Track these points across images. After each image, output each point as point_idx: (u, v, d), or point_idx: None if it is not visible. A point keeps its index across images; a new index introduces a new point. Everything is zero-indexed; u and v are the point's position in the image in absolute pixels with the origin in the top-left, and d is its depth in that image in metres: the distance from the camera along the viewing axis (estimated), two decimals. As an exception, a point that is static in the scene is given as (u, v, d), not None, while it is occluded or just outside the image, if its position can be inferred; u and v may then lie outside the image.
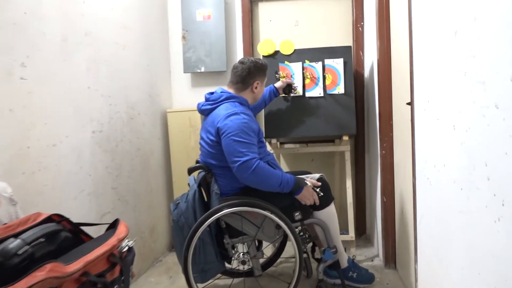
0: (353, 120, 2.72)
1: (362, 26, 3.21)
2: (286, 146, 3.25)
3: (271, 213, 2.01)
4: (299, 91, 2.76)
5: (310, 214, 2.19)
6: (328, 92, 2.75)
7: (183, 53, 3.29)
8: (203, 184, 2.19)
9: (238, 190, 2.13)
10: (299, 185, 2.10)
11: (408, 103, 1.99)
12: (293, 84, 2.71)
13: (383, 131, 2.60)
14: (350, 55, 2.79)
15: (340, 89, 2.72)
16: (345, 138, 2.73)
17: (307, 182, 2.14)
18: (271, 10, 3.39)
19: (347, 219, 2.82)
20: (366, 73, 3.15)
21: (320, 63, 2.78)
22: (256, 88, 2.25)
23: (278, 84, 2.67)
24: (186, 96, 3.42)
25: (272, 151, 2.89)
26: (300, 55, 2.82)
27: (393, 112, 2.55)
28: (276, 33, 3.29)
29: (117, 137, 2.47)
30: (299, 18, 3.39)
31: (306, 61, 2.77)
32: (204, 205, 2.15)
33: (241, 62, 2.27)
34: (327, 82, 2.75)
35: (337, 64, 2.76)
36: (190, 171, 2.15)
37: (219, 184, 2.12)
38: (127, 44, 2.64)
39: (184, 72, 3.30)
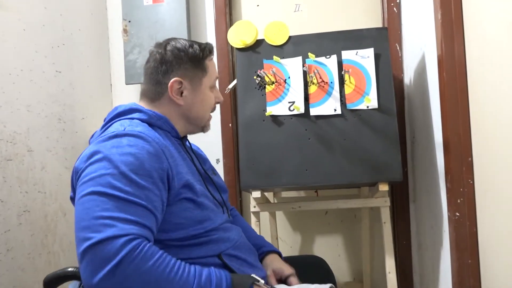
0: (396, 155, 1.52)
1: (399, 6, 2.04)
2: (284, 195, 2.06)
3: None
4: (299, 107, 1.58)
5: None
6: (350, 106, 1.57)
7: (124, 55, 2.17)
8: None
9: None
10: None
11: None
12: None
13: (453, 177, 1.40)
14: (387, 43, 1.61)
15: (370, 101, 1.54)
16: (383, 187, 1.53)
17: (260, 280, 1.01)
18: (258, -11, 2.27)
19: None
20: (408, 78, 1.97)
21: (333, 57, 1.60)
22: (178, 92, 1.14)
23: (273, 264, 1.28)
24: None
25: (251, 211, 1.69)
26: (299, 45, 1.65)
27: (472, 142, 1.37)
28: (267, 22, 2.13)
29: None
30: (301, 0, 2.25)
31: (309, 55, 1.60)
32: None
33: (154, 46, 1.20)
34: (348, 90, 1.58)
35: (364, 58, 1.59)
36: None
37: None
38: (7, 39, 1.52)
39: (127, 83, 2.17)
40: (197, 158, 1.19)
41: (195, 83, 1.16)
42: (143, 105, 1.14)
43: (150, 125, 1.07)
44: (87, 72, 2.08)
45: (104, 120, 1.11)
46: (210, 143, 2.17)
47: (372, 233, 2.13)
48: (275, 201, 1.99)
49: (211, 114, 1.24)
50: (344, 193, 2.08)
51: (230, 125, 2.19)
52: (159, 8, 2.12)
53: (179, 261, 0.92)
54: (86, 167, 0.94)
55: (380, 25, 2.15)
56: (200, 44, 1.18)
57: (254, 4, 2.28)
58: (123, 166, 0.92)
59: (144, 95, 1.17)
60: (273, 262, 1.26)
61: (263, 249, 1.31)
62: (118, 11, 2.22)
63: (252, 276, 1.01)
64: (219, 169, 2.21)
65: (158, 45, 1.18)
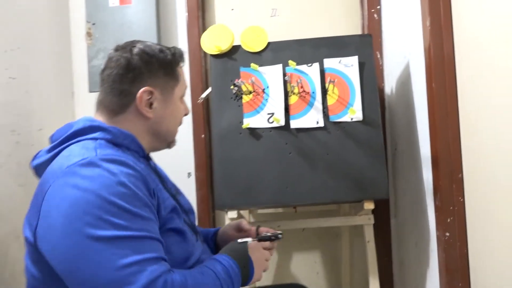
0: (382, 171, 1.42)
1: (379, 12, 1.97)
2: (260, 211, 1.94)
3: None
4: (279, 119, 1.47)
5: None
6: (333, 118, 1.46)
7: (87, 60, 2.00)
8: None
9: None
10: (245, 260, 0.98)
11: None
12: (277, 234, 1.13)
13: (443, 194, 1.32)
14: (371, 51, 1.52)
15: (354, 113, 1.44)
16: (368, 205, 1.43)
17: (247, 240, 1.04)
18: (233, -8, 2.15)
19: None
20: (389, 87, 1.89)
21: (315, 65, 1.50)
22: (147, 103, 0.98)
23: (229, 228, 1.25)
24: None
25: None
26: (278, 52, 1.54)
27: (462, 158, 1.29)
28: (242, 28, 2.00)
29: None
30: (278, 5, 2.15)
31: (290, 62, 1.49)
32: None
33: (115, 50, 1.02)
34: (330, 101, 1.47)
35: (348, 67, 1.49)
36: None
37: None
38: None
39: (90, 91, 2.00)
40: (162, 178, 1.05)
41: (166, 93, 1.00)
42: (102, 119, 0.97)
43: (115, 145, 0.91)
44: (46, 79, 1.90)
45: (52, 140, 0.95)
46: (180, 155, 2.02)
47: (352, 250, 2.03)
48: (251, 219, 1.86)
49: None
50: (323, 208, 1.97)
51: (202, 136, 2.06)
52: (126, 10, 1.96)
53: (196, 269, 0.90)
54: (67, 208, 0.79)
55: (359, 31, 2.07)
56: (169, 49, 1.03)
57: (228, 7, 2.16)
58: (118, 200, 0.79)
59: (102, 107, 0.99)
60: (229, 228, 1.24)
61: (211, 233, 1.28)
62: (82, 13, 2.05)
63: (241, 242, 1.03)
64: (191, 183, 2.07)
65: (121, 48, 1.00)
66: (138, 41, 1.02)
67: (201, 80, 2.04)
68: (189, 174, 2.09)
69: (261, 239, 1.10)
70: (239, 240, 1.05)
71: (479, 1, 1.13)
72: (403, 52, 1.64)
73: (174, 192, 1.05)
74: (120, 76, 0.96)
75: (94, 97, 2.03)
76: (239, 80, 1.43)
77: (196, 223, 2.01)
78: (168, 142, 1.06)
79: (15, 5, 1.71)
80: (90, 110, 2.09)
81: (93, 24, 1.97)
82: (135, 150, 0.96)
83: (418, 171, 1.53)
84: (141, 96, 0.95)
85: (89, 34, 1.97)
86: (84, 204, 0.78)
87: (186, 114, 1.10)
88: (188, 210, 1.09)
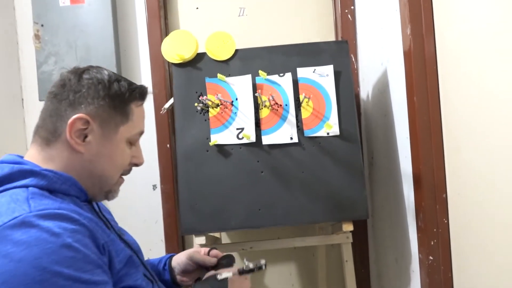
0: (361, 190, 1.32)
1: (353, 13, 1.86)
2: (224, 241, 1.81)
3: None
4: (249, 135, 1.34)
5: None
6: (308, 133, 1.35)
7: (36, 66, 1.81)
8: None
9: None
10: None
11: None
12: (261, 265, 1.03)
13: (426, 215, 1.23)
14: (347, 59, 1.41)
15: (330, 127, 1.32)
16: (347, 227, 1.33)
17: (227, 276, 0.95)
18: (197, -10, 1.99)
19: None
20: (365, 92, 1.79)
21: (288, 75, 1.38)
22: (80, 134, 0.80)
23: (183, 257, 1.09)
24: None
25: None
26: (247, 61, 1.40)
27: (446, 176, 1.20)
28: (208, 28, 1.85)
29: None
30: (246, 4, 2.01)
31: (260, 72, 1.36)
32: None
33: (70, 70, 0.86)
34: (305, 114, 1.36)
35: (323, 76, 1.38)
36: None
37: None
38: None
39: (40, 100, 1.82)
40: (107, 221, 0.89)
41: (107, 128, 0.82)
42: (34, 152, 0.81)
43: (51, 191, 0.75)
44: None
45: None
46: (144, 167, 1.84)
47: (328, 261, 1.94)
48: (221, 240, 1.73)
49: (124, 177, 0.90)
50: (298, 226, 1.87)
51: (168, 145, 1.91)
52: (79, 10, 1.78)
53: None
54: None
55: (333, 33, 1.96)
56: (131, 84, 0.86)
57: (193, 6, 2.00)
58: (65, 269, 0.64)
59: (37, 136, 0.82)
60: (184, 258, 1.09)
61: (162, 261, 1.11)
62: (28, 13, 1.85)
63: (221, 280, 0.94)
64: (156, 196, 1.92)
65: (75, 70, 0.85)
66: (97, 67, 0.85)
67: (164, 87, 1.89)
68: (154, 187, 1.94)
69: (243, 272, 0.99)
70: (219, 277, 0.95)
71: (463, 8, 1.03)
72: (381, 58, 1.54)
73: (119, 233, 0.90)
74: (59, 96, 0.81)
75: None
76: (204, 98, 1.29)
77: (162, 245, 1.91)
78: (104, 190, 0.86)
79: None
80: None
81: (42, 25, 1.78)
82: (76, 195, 0.80)
83: (397, 187, 1.45)
84: (73, 123, 0.78)
85: (37, 37, 1.78)
86: (21, 279, 0.62)
87: (135, 164, 0.90)
88: (137, 250, 0.94)
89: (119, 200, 0.94)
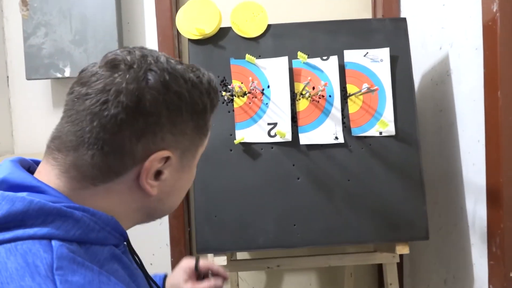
0: (421, 205, 1.07)
1: (398, -14, 1.58)
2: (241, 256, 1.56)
3: None
4: (284, 132, 1.08)
5: None
6: (356, 132, 1.09)
7: (23, 38, 1.52)
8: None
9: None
10: None
11: None
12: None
13: (505, 240, 0.98)
14: (406, 41, 1.13)
15: (384, 126, 1.06)
16: (401, 249, 1.08)
17: None
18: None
19: None
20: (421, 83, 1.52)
21: (333, 59, 1.11)
22: (154, 173, 0.51)
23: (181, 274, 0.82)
24: (45, 128, 1.63)
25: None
26: (282, 39, 1.13)
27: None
28: (231, 2, 1.56)
29: None
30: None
31: (299, 54, 1.09)
32: None
33: (109, 65, 0.49)
34: (353, 108, 1.09)
35: (376, 62, 1.11)
36: None
37: None
38: None
39: (28, 79, 1.54)
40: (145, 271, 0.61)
41: (188, 157, 0.56)
42: (60, 185, 0.49)
43: (80, 243, 0.46)
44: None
45: None
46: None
47: (356, 271, 1.70)
48: (236, 255, 1.48)
49: None
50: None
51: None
52: (75, -28, 1.49)
53: None
54: None
55: (369, 11, 1.68)
56: (200, 77, 0.54)
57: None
58: None
59: (75, 169, 0.49)
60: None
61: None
62: (14, -27, 1.56)
63: None
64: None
65: (124, 63, 0.49)
66: (152, 54, 0.52)
67: (173, 67, 1.61)
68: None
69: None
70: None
71: None
72: (439, 41, 1.27)
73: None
74: (122, 123, 0.47)
75: (33, 85, 1.59)
76: (232, 86, 1.01)
77: (167, 250, 1.64)
78: (156, 219, 0.60)
79: None
80: (29, 99, 1.65)
81: (30, -11, 1.49)
82: (114, 244, 0.52)
83: (457, 199, 1.19)
84: (151, 164, 0.50)
85: (24, 3, 1.49)
86: None
87: None
88: None
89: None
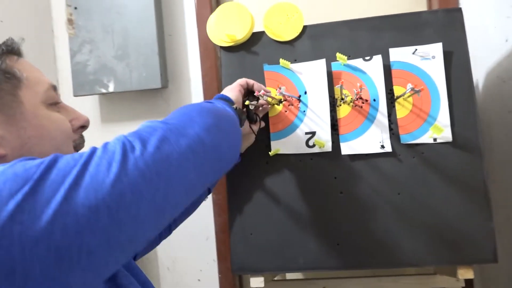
0: (486, 221, 0.92)
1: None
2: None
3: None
4: (323, 142, 0.98)
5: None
6: (406, 139, 0.96)
7: (70, 56, 1.56)
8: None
9: None
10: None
11: None
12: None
13: None
14: (463, 34, 0.99)
15: (439, 131, 0.93)
16: (464, 273, 0.94)
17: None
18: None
19: None
20: (474, 78, 1.36)
21: (377, 59, 0.99)
22: None
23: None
24: (95, 144, 1.66)
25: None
26: (319, 40, 1.04)
27: None
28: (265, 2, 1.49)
29: None
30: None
31: (338, 56, 0.99)
32: None
33: None
34: (402, 113, 0.97)
35: (427, 60, 0.98)
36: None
37: None
38: None
39: (75, 95, 1.57)
40: None
41: (9, 106, 0.60)
42: None
43: None
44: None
45: None
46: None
47: None
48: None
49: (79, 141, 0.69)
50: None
51: (220, 148, 1.59)
52: (116, -12, 1.50)
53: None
54: None
55: (424, 2, 1.54)
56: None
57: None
58: None
59: None
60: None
61: None
62: (61, -6, 1.61)
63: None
64: (207, 208, 1.62)
65: None
66: None
67: (216, 77, 1.57)
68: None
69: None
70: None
71: None
72: (505, 33, 1.11)
73: None
74: None
75: (81, 102, 1.63)
76: (264, 94, 0.93)
77: (215, 265, 1.58)
78: None
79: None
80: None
81: (75, 8, 1.52)
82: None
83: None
84: None
85: (70, 22, 1.53)
86: None
87: (82, 126, 0.70)
88: None
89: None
